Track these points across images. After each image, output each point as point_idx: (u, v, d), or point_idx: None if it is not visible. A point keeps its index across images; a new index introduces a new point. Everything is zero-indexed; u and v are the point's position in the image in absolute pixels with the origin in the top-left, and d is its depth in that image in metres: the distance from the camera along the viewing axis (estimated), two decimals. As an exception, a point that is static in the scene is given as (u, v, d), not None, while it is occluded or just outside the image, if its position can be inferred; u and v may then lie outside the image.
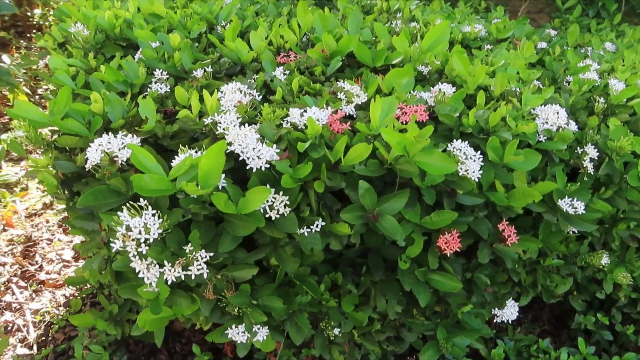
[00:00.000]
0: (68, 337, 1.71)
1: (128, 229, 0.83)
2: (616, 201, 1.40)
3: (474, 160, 1.04)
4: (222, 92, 1.08)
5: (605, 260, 1.49)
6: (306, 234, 0.99)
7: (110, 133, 0.97)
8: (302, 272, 1.15)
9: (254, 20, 1.60)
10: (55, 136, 1.09)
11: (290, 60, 1.41)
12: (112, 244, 0.83)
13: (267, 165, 0.93)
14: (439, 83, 1.28)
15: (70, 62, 1.29)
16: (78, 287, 1.87)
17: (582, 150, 1.36)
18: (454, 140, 1.07)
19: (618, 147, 1.31)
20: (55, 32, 1.53)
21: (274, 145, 0.94)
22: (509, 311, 1.46)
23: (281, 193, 0.94)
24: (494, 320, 1.50)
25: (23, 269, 1.98)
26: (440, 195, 1.14)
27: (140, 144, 0.97)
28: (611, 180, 1.39)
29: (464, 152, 1.04)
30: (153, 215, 0.84)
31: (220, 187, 0.91)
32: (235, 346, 1.73)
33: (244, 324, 1.05)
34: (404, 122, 1.16)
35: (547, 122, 1.32)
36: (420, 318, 1.43)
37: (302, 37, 1.58)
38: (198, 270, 0.89)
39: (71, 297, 1.87)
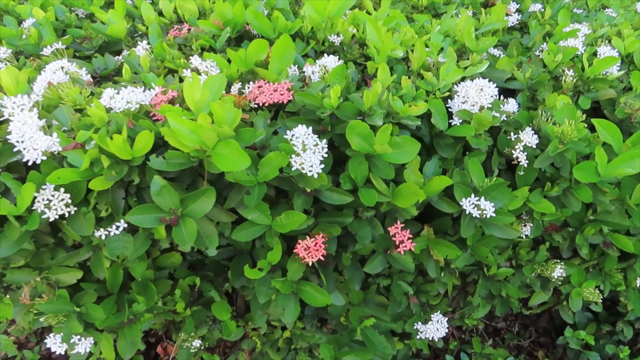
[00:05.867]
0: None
1: None
2: (569, 200, 1.11)
3: (314, 152, 0.83)
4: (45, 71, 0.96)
5: (558, 272, 1.20)
6: (104, 236, 0.84)
7: None
8: (148, 276, 1.01)
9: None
10: None
11: (182, 33, 1.25)
12: None
13: (44, 157, 0.79)
14: (325, 55, 1.06)
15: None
16: None
17: (515, 136, 1.08)
18: (299, 126, 0.86)
19: (561, 133, 1.02)
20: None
21: (55, 134, 0.80)
22: (434, 327, 1.22)
23: (62, 190, 0.81)
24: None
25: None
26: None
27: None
28: (559, 175, 1.10)
29: (303, 141, 0.84)
30: None
31: (-14, 184, 0.79)
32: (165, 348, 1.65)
33: (62, 333, 0.94)
34: (259, 104, 0.97)
35: (466, 102, 1.06)
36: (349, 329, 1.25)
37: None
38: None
39: None
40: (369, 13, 1.40)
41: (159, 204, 0.80)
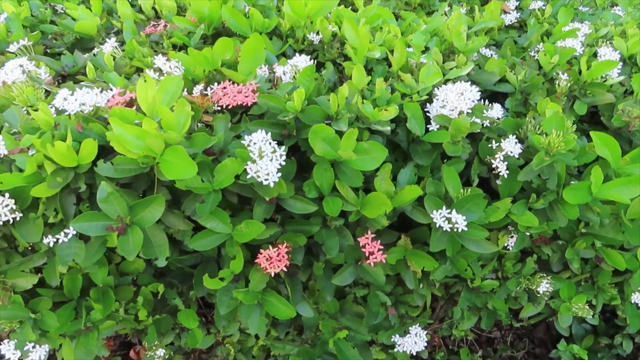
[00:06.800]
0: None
1: None
2: (555, 214, 1.05)
3: (271, 159, 0.78)
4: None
5: (544, 287, 1.13)
6: (52, 243, 0.81)
7: None
8: (109, 282, 0.98)
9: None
10: None
11: (158, 30, 1.21)
12: None
13: (-14, 161, 0.76)
14: (296, 54, 1.01)
15: None
16: None
17: (497, 144, 1.02)
18: (257, 131, 0.81)
19: (547, 145, 0.95)
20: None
21: (0, 137, 0.77)
22: (412, 340, 1.17)
23: (7, 195, 0.78)
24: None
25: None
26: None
27: None
28: (546, 187, 1.04)
29: (259, 148, 0.79)
30: None
31: None
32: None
33: (16, 340, 0.91)
34: (223, 107, 0.93)
35: (445, 106, 1.00)
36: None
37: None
38: None
39: None
40: (355, 10, 1.34)
41: (106, 212, 0.76)
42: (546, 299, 1.20)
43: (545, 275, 1.15)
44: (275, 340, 1.18)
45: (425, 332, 1.21)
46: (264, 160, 0.78)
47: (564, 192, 0.95)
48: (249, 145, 0.80)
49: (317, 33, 1.18)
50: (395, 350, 1.19)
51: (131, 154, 0.73)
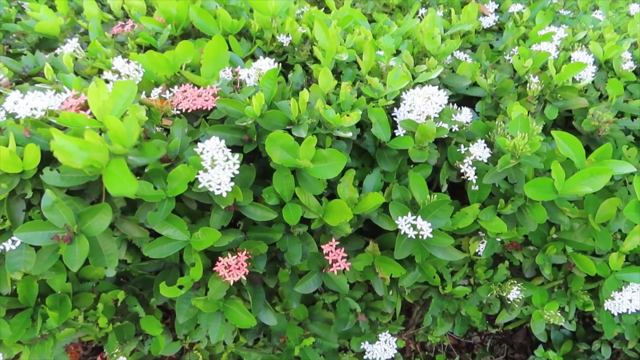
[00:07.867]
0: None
1: None
2: (524, 219, 1.03)
3: (223, 168, 0.76)
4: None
5: (514, 294, 1.12)
6: (-2, 251, 0.79)
7: None
8: (67, 289, 0.96)
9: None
10: None
11: (125, 30, 1.19)
12: None
13: None
14: (262, 57, 0.99)
15: None
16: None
17: (465, 149, 1.00)
18: (212, 139, 0.79)
19: (513, 147, 0.94)
20: None
21: (-58, 141, 0.74)
22: (381, 347, 1.15)
23: (-49, 201, 0.75)
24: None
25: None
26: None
27: None
28: (514, 191, 1.02)
29: (212, 156, 0.77)
30: None
31: None
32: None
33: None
34: (182, 110, 0.90)
35: (412, 111, 0.98)
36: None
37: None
38: None
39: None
40: (328, 12, 1.32)
41: (52, 220, 0.74)
42: (517, 305, 1.19)
43: (515, 282, 1.13)
44: (243, 347, 1.16)
45: (400, 338, 1.20)
46: (216, 169, 0.76)
47: (525, 188, 0.92)
48: (201, 153, 0.78)
49: (287, 35, 1.15)
50: (365, 357, 1.18)
51: (75, 165, 0.71)
